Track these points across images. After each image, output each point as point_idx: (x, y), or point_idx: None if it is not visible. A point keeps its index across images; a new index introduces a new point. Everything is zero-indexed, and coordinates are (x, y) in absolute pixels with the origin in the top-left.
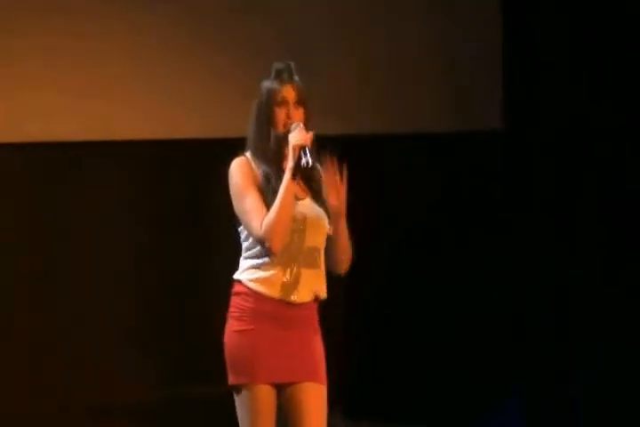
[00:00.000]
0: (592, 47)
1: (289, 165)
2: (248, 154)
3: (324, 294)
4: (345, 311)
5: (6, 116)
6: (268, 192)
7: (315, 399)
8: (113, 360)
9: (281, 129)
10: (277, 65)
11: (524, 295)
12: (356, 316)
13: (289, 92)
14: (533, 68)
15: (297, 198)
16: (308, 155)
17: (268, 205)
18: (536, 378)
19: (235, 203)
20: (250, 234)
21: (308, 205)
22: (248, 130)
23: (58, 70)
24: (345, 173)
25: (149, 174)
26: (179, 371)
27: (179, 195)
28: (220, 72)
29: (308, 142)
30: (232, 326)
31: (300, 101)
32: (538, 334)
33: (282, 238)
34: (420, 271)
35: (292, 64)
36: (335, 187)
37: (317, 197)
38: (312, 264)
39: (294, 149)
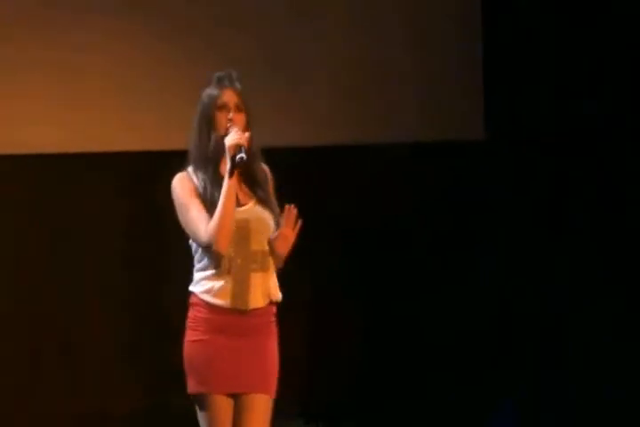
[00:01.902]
0: (575, 57)
1: (227, 166)
2: (189, 168)
3: (277, 296)
4: (341, 315)
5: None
6: (207, 200)
7: (257, 412)
8: (108, 368)
9: (222, 132)
10: (218, 73)
11: (509, 299)
12: (352, 320)
13: (230, 97)
14: (515, 79)
15: (239, 204)
16: (243, 151)
17: (210, 212)
18: (529, 381)
19: (179, 216)
20: (196, 242)
21: (250, 210)
22: (189, 138)
23: (50, 82)
24: (299, 223)
25: (142, 186)
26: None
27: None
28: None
29: (243, 141)
30: (188, 337)
31: (241, 106)
32: (530, 337)
33: (227, 240)
34: (401, 277)
35: (234, 72)
36: (286, 236)
37: (262, 201)
38: (260, 268)
39: (230, 149)
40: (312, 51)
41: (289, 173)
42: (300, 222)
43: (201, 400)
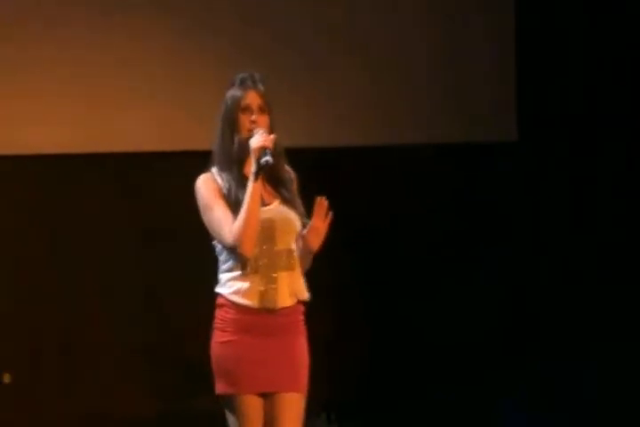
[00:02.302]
0: (607, 58)
1: (252, 169)
2: (213, 169)
3: (304, 295)
4: (356, 313)
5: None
6: (231, 200)
7: (290, 411)
8: (113, 371)
9: (245, 134)
10: (241, 74)
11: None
12: (367, 318)
13: (253, 99)
14: (548, 80)
15: (264, 204)
16: (269, 154)
17: (235, 213)
18: (535, 381)
19: (203, 216)
20: (221, 243)
21: (275, 210)
22: (213, 139)
23: (57, 81)
24: (330, 215)
25: (147, 186)
26: (179, 383)
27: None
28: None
29: (269, 144)
30: (216, 338)
31: (264, 108)
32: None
33: (252, 242)
34: (429, 278)
35: (256, 73)
36: (318, 229)
37: (287, 201)
38: (287, 267)
39: (255, 152)
40: (340, 51)
41: (316, 174)
42: (330, 214)
43: (230, 401)
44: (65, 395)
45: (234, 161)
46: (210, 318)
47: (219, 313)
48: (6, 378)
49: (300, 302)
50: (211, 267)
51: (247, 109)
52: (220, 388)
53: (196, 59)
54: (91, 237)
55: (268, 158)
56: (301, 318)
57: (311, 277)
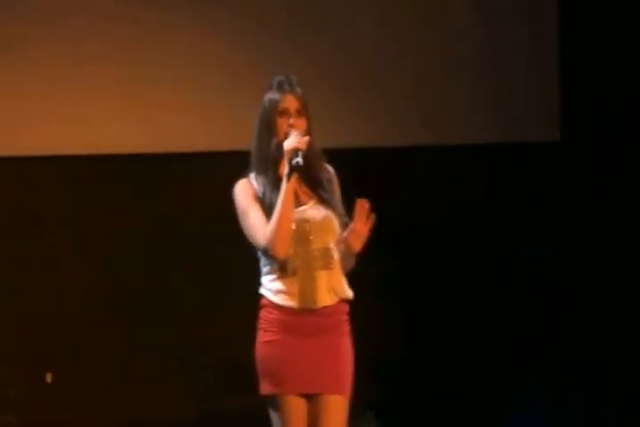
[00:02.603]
0: None
1: (285, 170)
2: (251, 175)
3: (345, 293)
4: (387, 313)
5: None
6: (265, 204)
7: (334, 413)
8: (155, 371)
9: (282, 137)
10: (278, 78)
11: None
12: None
13: (290, 102)
14: (590, 79)
15: (299, 204)
16: (300, 156)
17: (269, 216)
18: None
19: (241, 222)
20: (256, 247)
21: (310, 209)
22: (252, 141)
23: (57, 83)
24: (372, 217)
25: (158, 187)
26: (217, 384)
27: (188, 207)
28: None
29: (302, 146)
30: (260, 338)
31: (302, 111)
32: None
33: (285, 244)
34: (469, 278)
35: (293, 77)
36: (359, 231)
37: (323, 200)
38: (324, 266)
39: (287, 153)
40: (384, 52)
41: (356, 174)
42: (373, 217)
43: (274, 401)
44: (107, 395)
45: (270, 163)
46: (249, 318)
47: (262, 314)
48: (48, 378)
49: (342, 300)
50: (253, 266)
51: (285, 113)
52: (264, 388)
53: (240, 59)
54: (132, 235)
55: (298, 160)
56: (345, 318)
57: (352, 278)
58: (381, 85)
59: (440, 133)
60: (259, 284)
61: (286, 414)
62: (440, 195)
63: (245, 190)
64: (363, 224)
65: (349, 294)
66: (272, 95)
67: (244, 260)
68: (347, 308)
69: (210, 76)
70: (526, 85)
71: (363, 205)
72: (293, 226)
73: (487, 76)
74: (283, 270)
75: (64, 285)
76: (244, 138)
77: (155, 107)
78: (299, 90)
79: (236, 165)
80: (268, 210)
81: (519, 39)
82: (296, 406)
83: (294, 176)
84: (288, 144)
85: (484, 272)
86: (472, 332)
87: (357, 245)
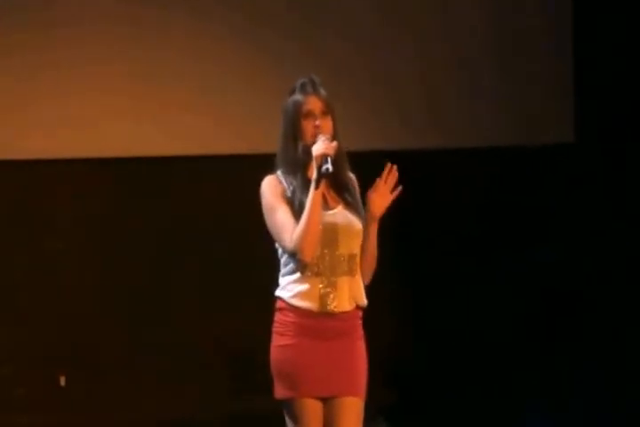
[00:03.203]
0: None
1: (314, 176)
2: (278, 171)
3: (363, 300)
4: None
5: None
6: (295, 205)
7: (349, 416)
8: (168, 374)
9: (309, 140)
10: (301, 80)
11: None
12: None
13: (314, 103)
14: (605, 81)
15: (327, 208)
16: (329, 162)
17: (297, 218)
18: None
19: (266, 219)
20: (282, 247)
21: (338, 214)
22: (277, 145)
23: (65, 86)
24: (399, 187)
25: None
26: (230, 384)
27: (193, 211)
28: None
29: (330, 151)
30: (276, 341)
31: (327, 111)
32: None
33: (313, 249)
34: (481, 279)
35: (316, 77)
36: (382, 194)
37: (350, 205)
38: (348, 272)
39: (316, 159)
40: (394, 53)
41: (369, 177)
42: (400, 188)
43: (290, 405)
44: (120, 398)
45: (298, 166)
46: (258, 318)
47: (278, 317)
48: (62, 381)
49: (358, 307)
50: (258, 267)
51: (310, 115)
52: (280, 392)
53: (255, 60)
54: (140, 237)
55: (328, 166)
56: (359, 322)
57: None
58: (392, 87)
59: (452, 136)
60: (275, 284)
61: (302, 418)
62: (452, 198)
63: (273, 188)
64: (387, 187)
65: (365, 302)
66: (295, 98)
67: (249, 261)
68: (361, 313)
69: (219, 78)
70: (540, 87)
71: (391, 169)
72: (322, 231)
73: (500, 78)
74: (306, 272)
75: (76, 288)
76: (251, 141)
77: (159, 109)
78: (322, 91)
79: (240, 167)
80: (297, 210)
81: (533, 40)
82: (312, 409)
83: (323, 182)
84: (317, 150)
85: (496, 275)
86: (482, 336)
87: (378, 208)
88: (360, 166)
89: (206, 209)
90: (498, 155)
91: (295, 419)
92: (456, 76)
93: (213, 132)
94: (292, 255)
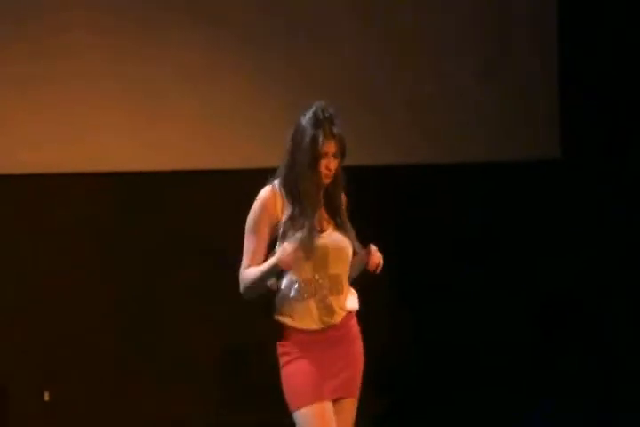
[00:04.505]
0: None
1: (270, 261)
2: (276, 182)
3: (355, 307)
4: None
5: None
6: (288, 227)
7: (348, 416)
8: (155, 389)
9: (317, 180)
10: (318, 111)
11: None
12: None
13: (331, 147)
14: (591, 96)
15: (320, 230)
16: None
17: (272, 245)
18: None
19: (245, 231)
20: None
21: (329, 237)
22: (282, 161)
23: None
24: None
25: (150, 205)
26: (222, 399)
27: (183, 225)
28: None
29: (288, 266)
30: (283, 361)
31: (339, 154)
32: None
33: (248, 296)
34: (470, 287)
35: (332, 110)
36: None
37: (340, 227)
38: (338, 291)
39: (276, 263)
40: (383, 69)
41: (359, 193)
42: (381, 265)
43: (304, 415)
44: (104, 412)
45: (296, 198)
46: (258, 331)
47: (281, 340)
48: (46, 396)
49: (350, 312)
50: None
51: (325, 156)
52: (295, 404)
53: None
54: (141, 251)
55: (272, 283)
56: (354, 322)
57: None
58: (379, 104)
59: (438, 152)
60: (271, 309)
61: (323, 420)
62: (439, 213)
63: (264, 209)
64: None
65: (356, 306)
66: (314, 133)
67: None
68: (353, 314)
69: (211, 93)
70: (526, 103)
71: (374, 255)
72: (312, 252)
73: (487, 95)
74: (299, 293)
75: (64, 302)
76: (244, 155)
77: (151, 124)
78: (339, 131)
79: (233, 183)
80: (290, 233)
81: (519, 55)
82: (328, 410)
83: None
84: (280, 255)
85: (489, 283)
86: (478, 343)
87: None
88: (348, 182)
89: (199, 223)
90: (485, 171)
91: (313, 422)
92: (441, 92)
93: (206, 146)
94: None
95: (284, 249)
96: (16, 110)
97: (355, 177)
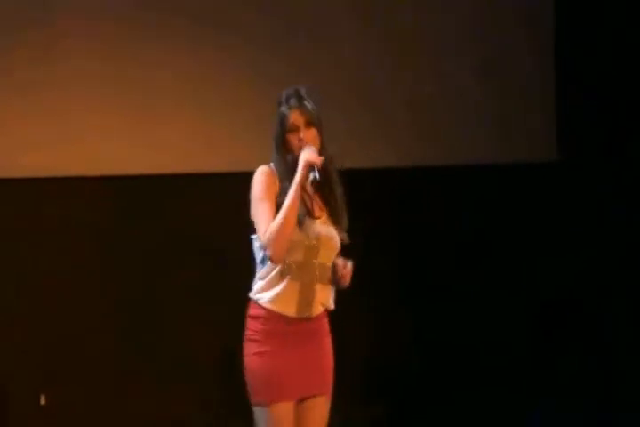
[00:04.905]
0: None
1: (295, 179)
2: (272, 165)
3: (332, 305)
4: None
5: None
6: (282, 201)
7: (318, 414)
8: (149, 393)
9: (296, 153)
10: (287, 91)
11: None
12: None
13: (297, 117)
14: (589, 98)
15: (313, 217)
16: (317, 171)
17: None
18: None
19: (251, 208)
20: (258, 238)
21: (323, 225)
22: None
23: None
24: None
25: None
26: (219, 404)
27: (180, 226)
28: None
29: (318, 162)
30: (251, 349)
31: (311, 123)
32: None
33: (282, 248)
34: (464, 294)
35: (302, 88)
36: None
37: (333, 217)
38: (324, 280)
39: (303, 165)
40: (382, 71)
41: (357, 195)
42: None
43: (265, 411)
44: (104, 412)
45: (286, 177)
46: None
47: (252, 324)
48: (42, 400)
49: (326, 310)
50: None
51: (294, 128)
52: (257, 398)
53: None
54: (140, 254)
55: (315, 175)
56: (326, 320)
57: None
58: (375, 106)
59: (436, 154)
60: (249, 289)
61: (281, 422)
62: (435, 216)
63: (265, 180)
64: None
65: (333, 306)
66: (281, 111)
67: (239, 274)
68: (327, 313)
69: (210, 96)
70: (524, 105)
71: (346, 268)
72: (306, 237)
73: (484, 97)
74: (286, 275)
75: (61, 307)
76: (242, 158)
77: (154, 127)
78: (307, 103)
79: (232, 185)
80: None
81: (516, 58)
82: (289, 412)
83: (308, 187)
84: (304, 156)
85: (488, 285)
86: (477, 346)
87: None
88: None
89: (199, 224)
90: (482, 173)
91: (273, 423)
92: (440, 92)
93: (205, 149)
94: (264, 249)
95: (305, 152)
96: (16, 114)
97: (353, 179)
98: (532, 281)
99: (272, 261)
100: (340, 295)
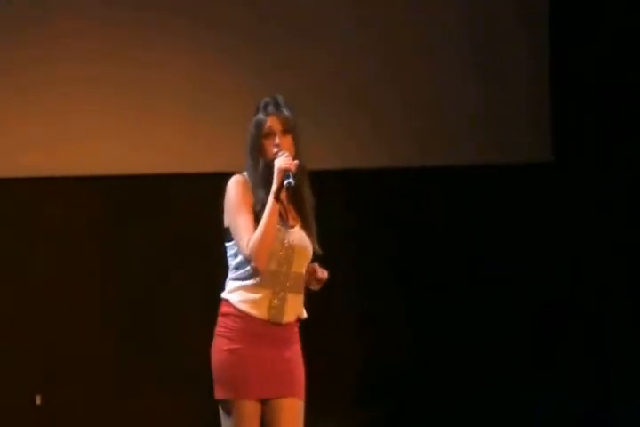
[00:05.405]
0: None
1: (272, 188)
2: (245, 174)
3: (304, 314)
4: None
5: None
6: (259, 217)
7: (290, 416)
8: (146, 394)
9: (270, 159)
10: (265, 99)
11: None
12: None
13: (274, 123)
14: (583, 99)
15: (287, 226)
16: (291, 177)
17: (256, 227)
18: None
19: (228, 218)
20: (239, 251)
21: (297, 233)
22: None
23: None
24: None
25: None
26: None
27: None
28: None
29: (292, 168)
30: (220, 345)
31: (287, 130)
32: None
33: (266, 258)
34: (462, 296)
35: (280, 97)
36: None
37: (306, 225)
38: (297, 289)
39: (278, 172)
40: (376, 73)
41: (350, 196)
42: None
43: (229, 406)
44: (104, 412)
45: (260, 184)
46: None
47: (223, 321)
48: (38, 400)
49: (297, 320)
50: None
51: (270, 134)
52: (221, 393)
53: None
54: (129, 254)
55: (290, 181)
56: (297, 330)
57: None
58: (372, 107)
59: (432, 155)
60: (221, 288)
61: (242, 419)
62: (432, 216)
63: (241, 190)
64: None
65: (305, 315)
66: (258, 117)
67: None
68: (298, 324)
69: (208, 97)
70: (519, 106)
71: (322, 273)
72: (281, 246)
73: (480, 98)
74: (260, 281)
75: (56, 307)
76: (242, 159)
77: (153, 127)
78: (284, 110)
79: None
80: (257, 221)
81: (512, 59)
82: (252, 410)
83: (283, 196)
84: (279, 163)
85: (487, 285)
86: (477, 346)
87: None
88: (335, 185)
89: (199, 225)
90: (478, 174)
91: (234, 420)
92: (437, 96)
93: (205, 149)
94: (248, 262)
95: (279, 159)
96: (16, 114)
97: (352, 179)
98: (531, 281)
99: (256, 271)
100: (340, 295)
